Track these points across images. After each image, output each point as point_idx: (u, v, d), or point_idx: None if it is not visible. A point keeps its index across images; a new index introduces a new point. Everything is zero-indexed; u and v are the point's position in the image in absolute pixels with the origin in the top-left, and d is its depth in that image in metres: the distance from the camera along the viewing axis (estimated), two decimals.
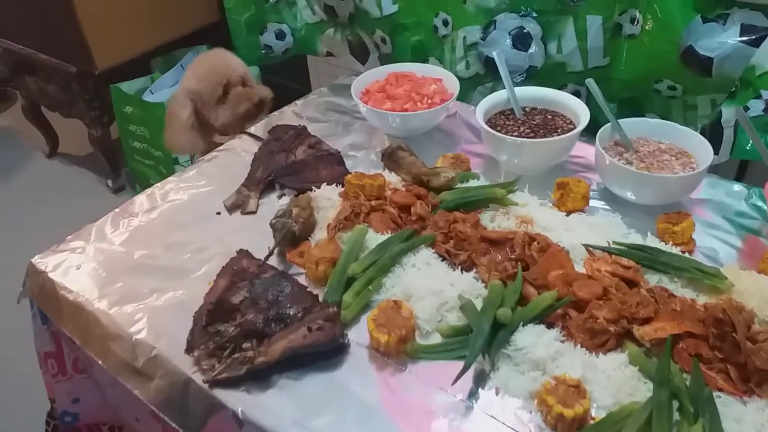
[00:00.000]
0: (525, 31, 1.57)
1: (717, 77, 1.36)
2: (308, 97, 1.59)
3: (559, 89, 1.57)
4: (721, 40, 1.33)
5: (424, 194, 1.14)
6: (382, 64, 1.84)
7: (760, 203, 1.17)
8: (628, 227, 1.11)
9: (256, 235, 1.11)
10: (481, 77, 1.68)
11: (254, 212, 1.18)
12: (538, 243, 1.01)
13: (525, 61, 1.60)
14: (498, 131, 1.24)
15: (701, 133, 1.39)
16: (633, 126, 1.23)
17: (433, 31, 1.70)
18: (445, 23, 1.67)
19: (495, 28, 1.59)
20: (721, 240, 1.11)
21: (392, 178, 1.21)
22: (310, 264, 1.01)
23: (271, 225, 1.07)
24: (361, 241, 1.04)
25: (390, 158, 1.24)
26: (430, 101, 1.36)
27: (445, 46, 1.71)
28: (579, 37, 1.51)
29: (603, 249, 1.03)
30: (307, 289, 0.97)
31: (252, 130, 1.43)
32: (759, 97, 1.28)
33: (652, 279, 1.00)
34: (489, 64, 1.63)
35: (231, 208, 1.19)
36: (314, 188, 1.18)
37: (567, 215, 1.13)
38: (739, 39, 1.31)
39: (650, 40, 1.42)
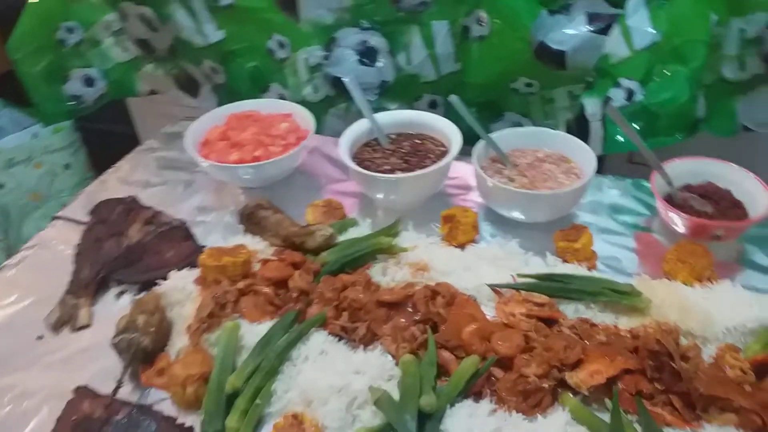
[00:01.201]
0: (370, 45, 1.44)
1: (572, 69, 1.32)
2: (134, 154, 1.33)
3: (414, 101, 1.49)
4: (570, 32, 1.28)
5: (301, 261, 0.96)
6: (218, 96, 1.63)
7: (644, 196, 1.13)
8: (525, 250, 1.01)
9: (97, 359, 0.86)
10: (332, 99, 1.53)
11: (88, 325, 0.93)
12: (443, 296, 0.88)
13: (376, 77, 1.47)
14: (367, 167, 1.09)
15: (567, 130, 1.36)
16: (505, 138, 1.15)
17: (268, 55, 1.51)
18: (282, 45, 1.49)
19: (337, 46, 1.44)
20: (618, 245, 1.05)
21: (258, 245, 1.01)
22: (175, 387, 0.79)
23: (114, 345, 0.83)
24: (235, 341, 0.84)
25: (250, 220, 1.04)
26: (284, 142, 1.17)
27: (285, 70, 1.53)
28: (427, 45, 1.40)
29: (511, 287, 0.92)
30: (177, 422, 0.76)
31: (68, 211, 1.15)
32: (618, 85, 1.24)
33: (568, 309, 0.90)
34: (338, 84, 1.48)
35: (56, 327, 0.92)
36: (161, 280, 0.95)
37: (462, 250, 1.01)
38: (588, 28, 1.27)
39: (500, 40, 1.35)
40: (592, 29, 1.26)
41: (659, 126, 1.20)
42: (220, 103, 1.65)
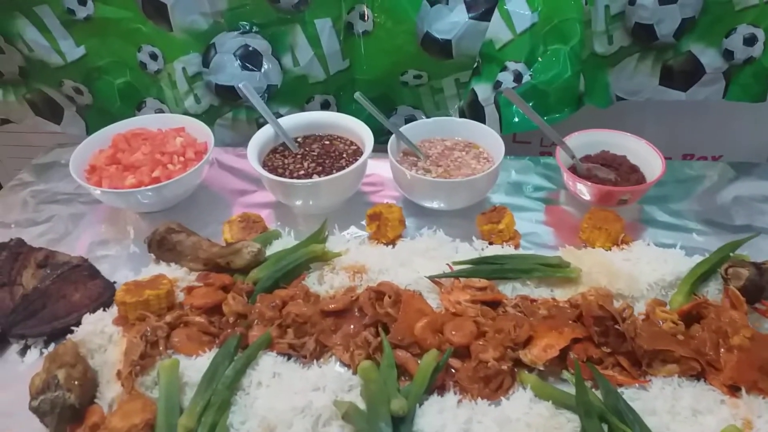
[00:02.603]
0: (251, 48, 1.38)
1: (458, 57, 1.35)
2: (5, 192, 1.17)
3: (306, 103, 1.45)
4: (452, 21, 1.31)
5: (230, 282, 0.89)
6: (85, 118, 1.49)
7: (546, 171, 1.19)
8: (452, 238, 1.02)
9: (12, 430, 0.74)
10: (218, 109, 1.45)
11: None
12: (389, 296, 0.86)
13: (262, 81, 1.41)
14: (281, 175, 1.04)
15: (460, 115, 1.39)
16: (413, 131, 1.15)
17: (140, 68, 1.40)
18: (154, 57, 1.39)
19: (216, 52, 1.37)
20: (534, 221, 1.09)
21: (176, 272, 0.93)
22: None
23: (34, 410, 0.72)
24: (176, 379, 0.76)
25: (161, 246, 0.95)
26: (182, 159, 1.09)
27: (161, 82, 1.42)
28: (313, 44, 1.37)
29: (450, 276, 0.92)
30: None
31: None
32: (505, 69, 1.29)
33: (506, 289, 0.93)
34: (222, 93, 1.41)
35: None
36: (73, 327, 0.84)
37: (393, 247, 1.00)
38: (469, 16, 1.30)
39: (386, 34, 1.35)
40: (472, 16, 1.30)
41: (549, 103, 1.27)
42: (89, 127, 1.51)
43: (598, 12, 1.29)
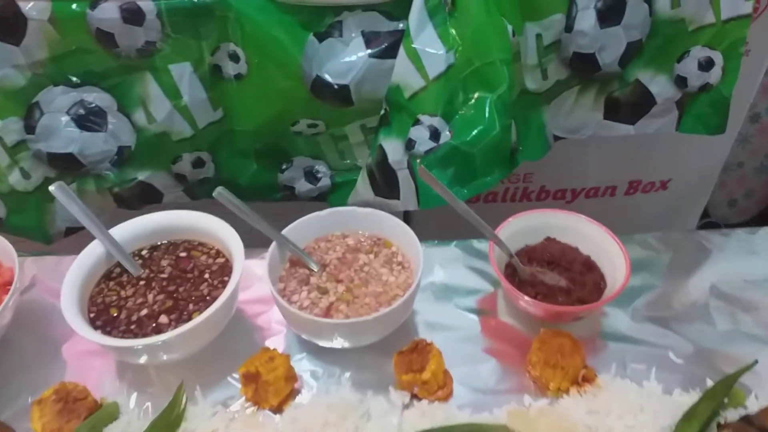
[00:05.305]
0: (91, 105, 1.05)
1: (359, 104, 1.07)
2: None
3: (172, 163, 1.14)
4: (349, 60, 1.02)
5: None
6: None
7: (476, 262, 0.94)
8: (362, 391, 0.76)
9: None
10: (55, 180, 1.11)
11: None
12: None
13: (110, 143, 1.09)
14: (113, 323, 0.74)
15: (369, 176, 1.12)
16: (303, 228, 0.87)
17: None
18: None
19: (42, 113, 1.04)
20: (468, 351, 0.82)
21: None
22: None
23: None
24: None
25: None
26: None
27: None
28: (170, 95, 1.05)
29: None
30: None
31: None
32: (418, 122, 1.02)
33: None
34: (58, 162, 1.09)
35: None
36: None
37: (280, 415, 0.74)
38: (368, 53, 1.02)
39: (265, 79, 1.05)
40: (372, 53, 1.01)
41: (475, 166, 1.01)
42: None
43: (528, 43, 1.03)
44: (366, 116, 1.11)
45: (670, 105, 1.13)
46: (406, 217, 1.21)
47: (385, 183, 1.07)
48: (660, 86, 1.10)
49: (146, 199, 1.15)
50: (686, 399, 0.72)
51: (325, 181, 1.20)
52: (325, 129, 1.14)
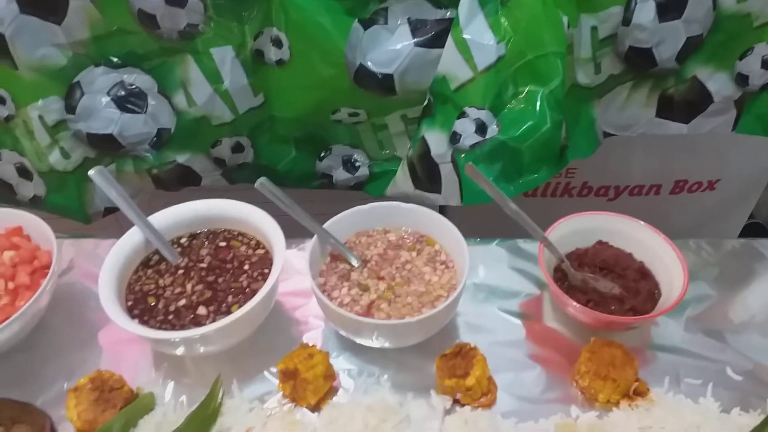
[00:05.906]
0: (132, 86, 1.04)
1: (403, 93, 1.04)
2: None
3: (212, 147, 1.12)
4: (394, 49, 0.99)
5: None
6: None
7: (522, 263, 0.90)
8: (402, 393, 0.73)
9: None
10: (95, 161, 1.11)
11: None
12: None
13: (150, 125, 1.07)
14: (152, 312, 0.73)
15: (409, 168, 1.09)
16: (344, 223, 0.84)
17: None
18: (2, 101, 1.04)
19: (83, 93, 1.03)
20: (513, 356, 0.79)
21: None
22: None
23: None
24: None
25: None
26: (12, 286, 0.76)
27: (16, 131, 1.08)
28: (211, 79, 1.03)
29: None
30: None
31: None
32: (464, 115, 0.98)
33: None
34: (98, 142, 1.07)
35: None
36: None
37: (318, 414, 0.72)
38: (414, 41, 0.98)
39: (307, 66, 1.02)
40: (418, 42, 0.98)
41: (522, 162, 0.97)
42: None
43: (583, 35, 0.99)
44: (408, 106, 1.08)
45: (728, 104, 1.07)
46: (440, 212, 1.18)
47: (426, 176, 1.04)
48: (719, 84, 1.04)
49: (185, 181, 1.14)
50: (746, 420, 0.68)
51: (363, 171, 1.17)
52: (366, 118, 1.11)
